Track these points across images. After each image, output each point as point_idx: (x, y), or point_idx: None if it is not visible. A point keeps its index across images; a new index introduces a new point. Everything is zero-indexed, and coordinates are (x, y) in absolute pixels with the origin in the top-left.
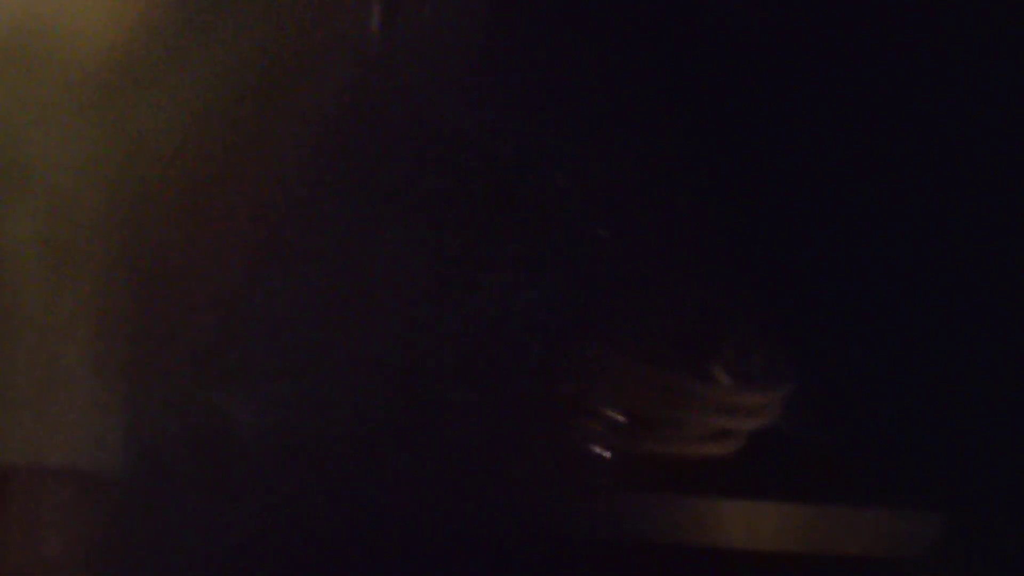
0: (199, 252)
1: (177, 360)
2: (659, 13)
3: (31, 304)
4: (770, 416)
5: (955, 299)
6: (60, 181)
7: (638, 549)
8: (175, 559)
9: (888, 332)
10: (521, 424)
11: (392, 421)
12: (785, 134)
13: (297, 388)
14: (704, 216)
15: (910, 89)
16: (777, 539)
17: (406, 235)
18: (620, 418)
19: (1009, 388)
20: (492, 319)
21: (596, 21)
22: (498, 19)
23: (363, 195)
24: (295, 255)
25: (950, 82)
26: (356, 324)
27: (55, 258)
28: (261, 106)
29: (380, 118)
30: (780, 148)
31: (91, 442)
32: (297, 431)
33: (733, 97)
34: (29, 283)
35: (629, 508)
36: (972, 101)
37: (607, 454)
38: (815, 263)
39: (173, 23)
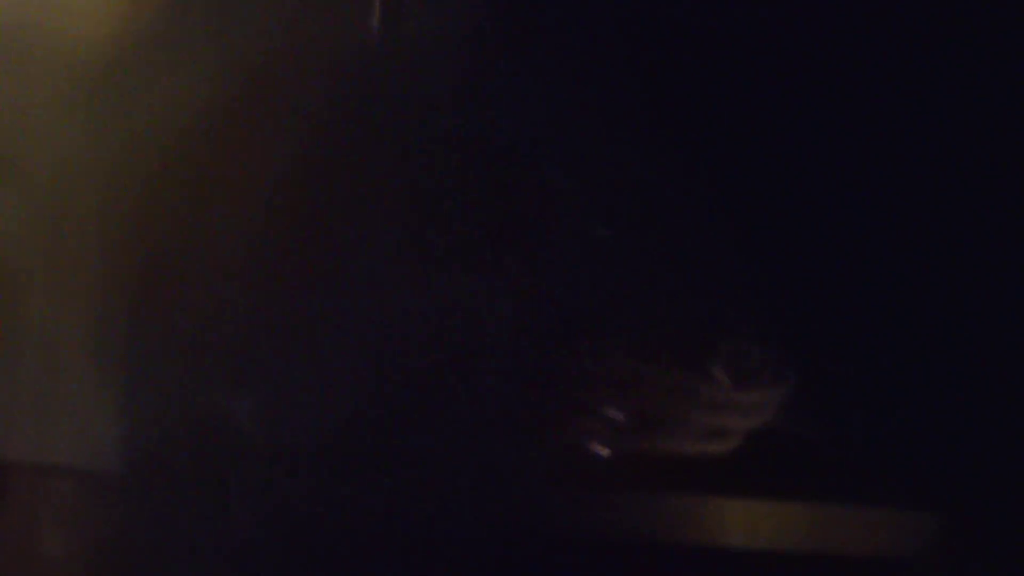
0: (200, 252)
1: (177, 359)
2: (658, 12)
3: (33, 303)
4: (769, 415)
5: (954, 299)
6: (61, 181)
7: (637, 548)
8: (175, 558)
9: (888, 331)
10: (520, 423)
11: (391, 421)
12: (784, 136)
13: (296, 387)
14: (703, 215)
15: (905, 90)
16: (777, 539)
17: (406, 235)
18: (619, 417)
19: (1009, 388)
20: (492, 318)
21: (596, 21)
22: (498, 19)
23: (363, 195)
24: (295, 255)
25: (946, 83)
26: (356, 324)
27: (56, 258)
28: (261, 106)
29: (380, 118)
30: (779, 149)
31: (92, 441)
32: (296, 431)
33: (732, 99)
34: (31, 282)
35: (628, 507)
36: (969, 101)
37: (606, 453)
38: (814, 261)
39: (174, 22)
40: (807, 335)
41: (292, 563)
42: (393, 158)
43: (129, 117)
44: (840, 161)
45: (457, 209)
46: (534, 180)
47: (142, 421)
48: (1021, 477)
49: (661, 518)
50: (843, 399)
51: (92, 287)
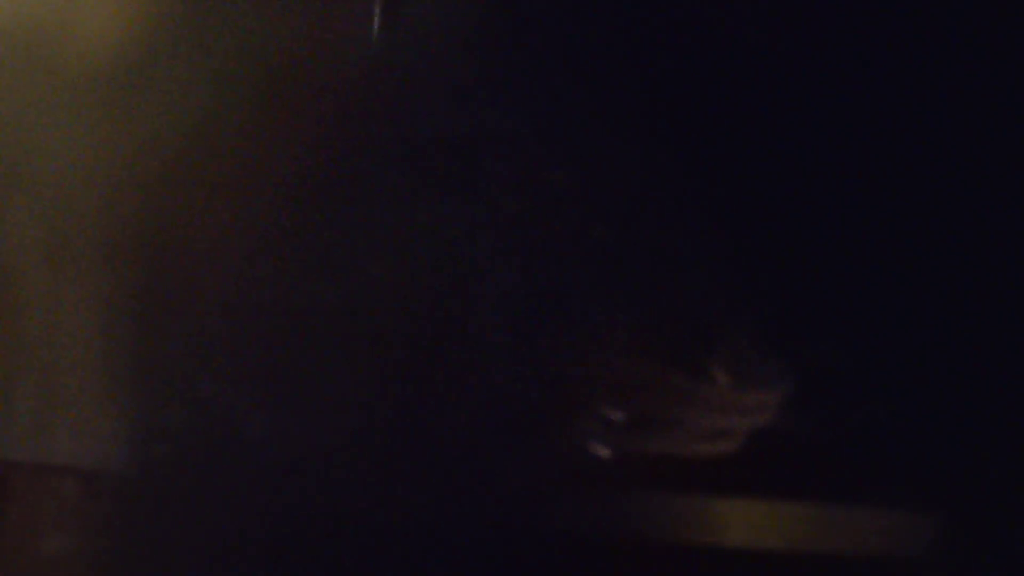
0: (201, 252)
1: (180, 360)
2: (658, 11)
3: (34, 302)
4: (769, 415)
5: (954, 298)
6: (62, 181)
7: (636, 548)
8: (175, 558)
9: (888, 331)
10: (520, 424)
11: (393, 421)
12: (784, 136)
13: (298, 386)
14: (703, 215)
15: (904, 90)
16: (776, 539)
17: (406, 235)
18: (619, 418)
19: (1009, 388)
20: (491, 319)
21: (595, 20)
22: (498, 19)
23: (364, 196)
24: (296, 255)
25: (945, 83)
26: (356, 324)
27: (58, 257)
28: (263, 108)
29: (381, 119)
30: (779, 149)
31: (92, 441)
32: (297, 429)
33: (731, 99)
34: (32, 282)
35: (627, 507)
36: (970, 102)
37: (606, 454)
38: (814, 262)
39: (177, 25)
40: (807, 336)
41: (292, 563)
42: (394, 159)
43: (127, 118)
44: (839, 162)
45: (456, 209)
46: (534, 179)
47: (143, 421)
48: (1021, 477)
49: (661, 519)
50: (843, 400)
51: (94, 287)
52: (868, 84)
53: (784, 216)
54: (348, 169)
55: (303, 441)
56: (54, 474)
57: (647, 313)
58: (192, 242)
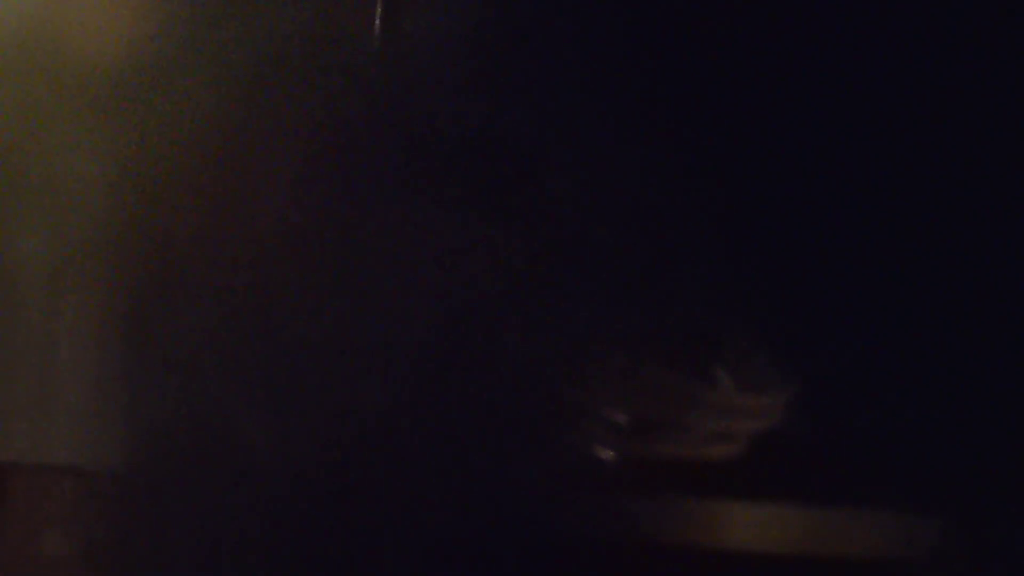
0: (201, 253)
1: (179, 360)
2: (657, 12)
3: (34, 303)
4: (772, 418)
5: (954, 300)
6: (62, 183)
7: (639, 549)
8: (175, 558)
9: (888, 333)
10: (524, 425)
11: (396, 422)
12: (787, 140)
13: (299, 386)
14: (706, 218)
15: (904, 92)
16: (778, 540)
17: (408, 235)
18: (623, 421)
19: (1009, 388)
20: (495, 321)
21: (595, 20)
22: (498, 17)
23: (364, 195)
24: (299, 257)
25: (945, 83)
26: (359, 325)
27: (57, 259)
28: (265, 109)
29: (382, 118)
30: (782, 153)
31: (91, 441)
32: (298, 429)
33: (734, 103)
34: (32, 283)
35: (631, 509)
36: (970, 102)
37: (609, 455)
38: (816, 266)
39: (179, 24)
40: (810, 339)
41: (292, 561)
42: (396, 159)
43: (129, 119)
44: (840, 166)
45: (458, 210)
46: (536, 181)
47: (142, 421)
48: (1021, 477)
49: (665, 521)
50: (845, 402)
51: (94, 287)
52: (869, 87)
53: (787, 220)
54: (350, 171)
55: (303, 439)
56: (54, 475)
57: (651, 317)
58: (195, 244)
